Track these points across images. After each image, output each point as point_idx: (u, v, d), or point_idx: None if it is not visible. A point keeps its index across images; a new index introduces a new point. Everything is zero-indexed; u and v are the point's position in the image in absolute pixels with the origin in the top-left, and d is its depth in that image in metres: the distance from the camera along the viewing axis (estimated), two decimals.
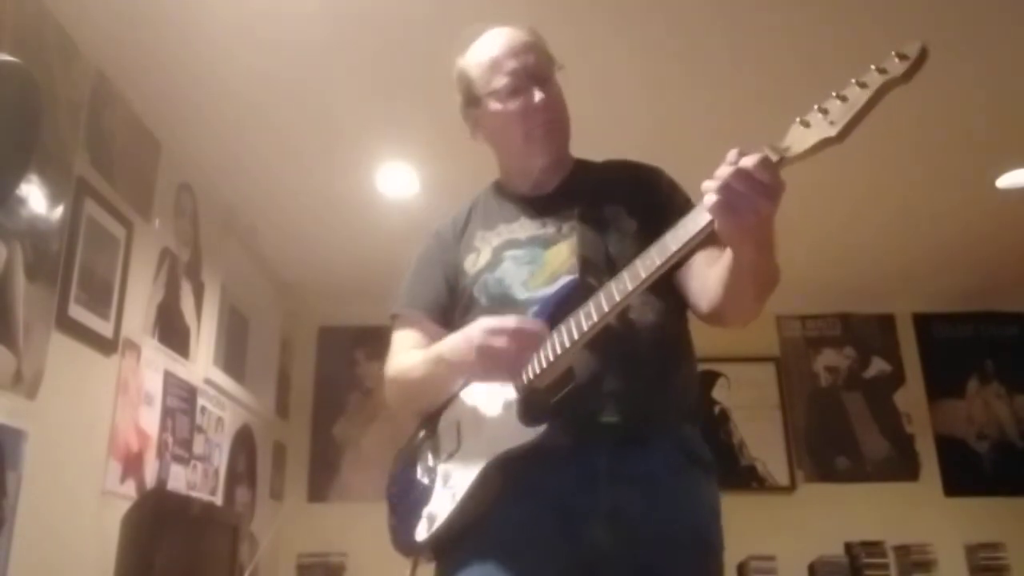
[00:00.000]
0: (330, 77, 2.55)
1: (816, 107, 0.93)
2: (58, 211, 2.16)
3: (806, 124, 0.93)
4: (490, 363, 1.13)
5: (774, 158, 0.95)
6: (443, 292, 1.36)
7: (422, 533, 1.20)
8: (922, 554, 3.95)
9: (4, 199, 1.93)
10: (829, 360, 4.51)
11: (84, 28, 2.25)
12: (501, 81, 1.32)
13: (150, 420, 2.65)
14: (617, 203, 1.30)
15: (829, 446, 4.33)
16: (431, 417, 1.31)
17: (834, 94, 0.91)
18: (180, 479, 2.86)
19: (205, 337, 3.17)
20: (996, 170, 3.20)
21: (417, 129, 2.80)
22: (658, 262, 1.03)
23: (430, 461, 1.27)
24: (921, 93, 2.62)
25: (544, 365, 1.12)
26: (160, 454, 2.71)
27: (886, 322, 4.55)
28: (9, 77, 1.96)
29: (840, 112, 0.90)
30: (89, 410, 2.29)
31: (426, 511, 1.22)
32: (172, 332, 2.86)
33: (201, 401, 3.09)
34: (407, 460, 1.32)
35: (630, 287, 1.05)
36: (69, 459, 2.18)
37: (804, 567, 3.99)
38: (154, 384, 2.70)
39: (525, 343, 1.12)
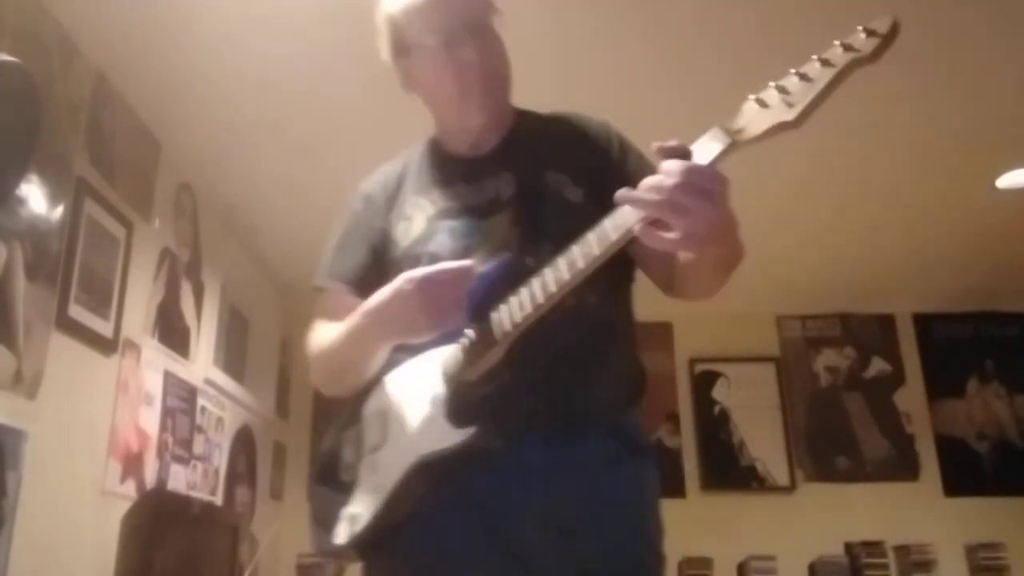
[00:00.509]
0: (330, 76, 2.55)
1: (773, 84, 0.85)
2: (58, 211, 2.16)
3: (762, 104, 0.85)
4: (438, 312, 1.05)
5: (725, 141, 0.87)
6: (370, 264, 1.26)
7: (342, 535, 1.12)
8: (922, 554, 3.95)
9: (4, 199, 1.93)
10: (829, 360, 4.51)
11: (84, 28, 2.25)
12: (432, 34, 1.19)
13: (150, 420, 2.65)
14: (561, 169, 1.20)
15: (829, 446, 4.33)
16: (356, 402, 1.22)
17: (793, 71, 0.84)
18: (180, 479, 2.86)
19: (205, 337, 3.17)
20: (996, 170, 3.20)
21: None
22: (596, 252, 0.95)
23: (353, 454, 1.18)
24: (921, 93, 2.64)
25: (474, 356, 1.06)
26: (160, 454, 2.71)
27: (886, 322, 4.56)
28: (9, 77, 1.96)
29: (799, 93, 0.82)
30: (89, 410, 2.29)
31: (347, 511, 1.13)
32: (172, 332, 2.86)
33: (201, 401, 3.09)
34: (331, 450, 1.24)
35: (567, 277, 0.98)
36: (69, 459, 2.18)
37: (804, 567, 3.99)
38: (154, 384, 2.70)
39: (466, 283, 1.05)
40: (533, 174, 1.20)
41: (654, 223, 0.90)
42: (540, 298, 1.01)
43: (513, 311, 1.03)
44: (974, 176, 3.23)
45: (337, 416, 1.28)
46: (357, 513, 1.12)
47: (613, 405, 1.17)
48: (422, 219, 1.23)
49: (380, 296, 1.10)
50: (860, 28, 0.81)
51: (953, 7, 2.29)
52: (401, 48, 1.25)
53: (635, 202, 0.90)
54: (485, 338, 1.05)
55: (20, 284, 1.98)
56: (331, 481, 1.21)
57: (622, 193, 0.91)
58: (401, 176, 1.31)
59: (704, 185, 0.86)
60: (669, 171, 0.87)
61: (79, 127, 2.29)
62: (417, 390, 1.12)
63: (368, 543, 1.11)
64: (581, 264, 0.97)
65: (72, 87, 2.25)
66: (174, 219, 2.91)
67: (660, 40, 2.48)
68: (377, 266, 1.25)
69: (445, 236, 1.19)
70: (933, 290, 4.37)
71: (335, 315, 1.25)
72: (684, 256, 1.06)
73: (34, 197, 2.05)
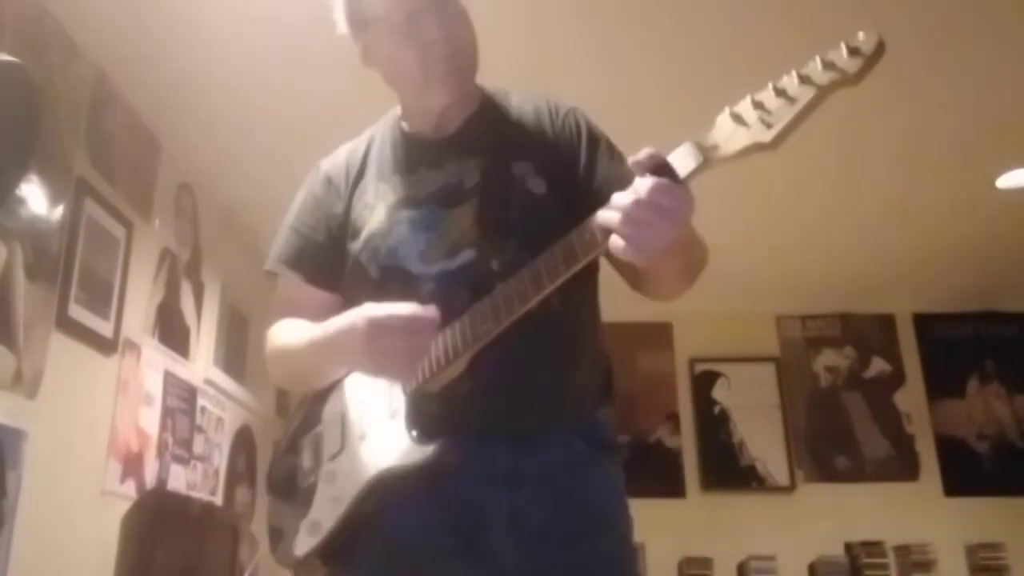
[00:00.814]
0: (329, 76, 2.54)
1: (750, 98, 0.81)
2: (58, 211, 2.16)
3: (739, 120, 0.81)
4: (381, 363, 1.01)
5: (698, 159, 0.85)
6: (328, 252, 1.21)
7: (303, 546, 1.09)
8: (922, 554, 3.95)
9: (4, 199, 1.93)
10: (829, 360, 4.51)
11: (84, 28, 2.25)
12: (392, 7, 1.14)
13: (150, 420, 2.65)
14: (525, 158, 1.15)
15: (829, 446, 4.33)
16: (316, 401, 1.19)
17: (771, 86, 0.79)
18: (180, 479, 2.86)
19: (205, 337, 3.17)
20: (996, 170, 3.20)
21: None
22: (562, 269, 0.95)
23: (312, 460, 1.15)
24: (921, 93, 2.64)
25: (435, 369, 1.03)
26: (160, 454, 2.70)
27: (886, 322, 4.55)
28: (9, 77, 1.96)
29: (778, 112, 0.79)
30: (89, 410, 2.29)
31: (308, 520, 1.10)
32: (172, 332, 2.86)
33: (201, 401, 3.09)
34: (290, 454, 1.20)
35: (531, 294, 0.97)
36: (69, 459, 2.18)
37: (804, 567, 3.99)
38: (154, 384, 2.70)
39: (419, 337, 1.00)
40: (498, 162, 1.15)
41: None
42: (503, 312, 0.99)
43: (476, 324, 1.01)
44: (974, 176, 3.23)
45: (292, 417, 1.25)
46: (318, 521, 1.09)
47: (579, 405, 1.14)
48: (383, 208, 1.17)
49: (338, 323, 1.06)
50: (843, 45, 0.76)
51: (953, 8, 2.29)
52: (359, 21, 1.19)
53: (604, 220, 0.90)
54: (446, 350, 1.03)
55: (20, 284, 1.98)
56: (286, 491, 1.18)
57: (608, 214, 0.90)
58: (365, 157, 1.25)
59: (666, 203, 0.86)
60: (637, 189, 0.87)
61: (79, 127, 2.29)
62: (377, 399, 1.09)
63: (330, 552, 1.09)
64: (546, 282, 0.97)
65: (72, 87, 2.25)
66: (174, 219, 2.91)
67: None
68: (335, 254, 1.20)
69: (405, 228, 1.14)
70: (933, 290, 4.37)
71: (294, 307, 1.22)
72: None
73: (34, 197, 2.05)
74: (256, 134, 2.86)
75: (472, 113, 1.22)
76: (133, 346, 2.54)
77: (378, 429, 1.07)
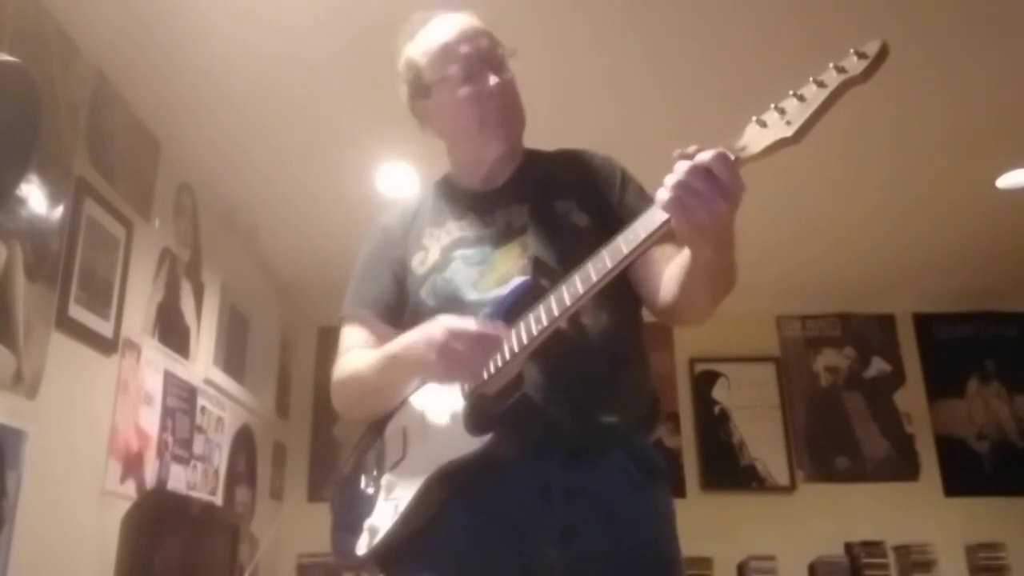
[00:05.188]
0: (330, 77, 2.55)
1: (773, 106, 0.89)
2: (58, 211, 2.16)
3: (763, 124, 0.90)
4: (451, 365, 1.07)
5: (730, 158, 0.91)
6: (391, 291, 1.31)
7: (362, 547, 1.16)
8: (922, 554, 3.95)
9: (4, 199, 1.93)
10: (829, 360, 4.52)
11: (84, 28, 2.25)
12: (454, 66, 1.25)
13: (150, 420, 2.65)
14: (568, 197, 1.26)
15: (829, 446, 4.33)
16: (379, 422, 1.26)
17: (792, 92, 0.88)
18: (180, 479, 2.86)
19: (205, 337, 3.17)
20: (996, 170, 3.20)
21: (414, 130, 2.79)
22: (609, 265, 1.00)
23: (374, 470, 1.23)
24: (921, 93, 2.64)
25: (492, 371, 1.08)
26: (160, 454, 2.71)
27: (886, 322, 4.56)
28: (9, 77, 1.96)
29: (797, 112, 0.87)
30: (89, 410, 2.29)
31: (368, 523, 1.17)
32: (172, 332, 2.86)
33: (201, 401, 3.09)
34: (353, 467, 1.28)
35: (581, 291, 1.02)
36: (69, 459, 2.18)
37: (804, 567, 3.99)
38: (154, 384, 2.70)
39: (489, 347, 1.06)
40: (543, 201, 1.25)
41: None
42: (555, 311, 1.04)
43: (529, 325, 1.07)
44: (974, 176, 3.23)
45: (357, 434, 1.32)
46: (377, 525, 1.16)
47: (629, 426, 1.18)
48: (437, 249, 1.27)
49: (413, 333, 1.14)
50: (852, 51, 0.86)
51: (953, 10, 2.29)
52: (420, 89, 1.31)
53: (669, 180, 0.93)
54: (503, 351, 1.08)
55: (20, 284, 1.98)
56: (349, 499, 1.24)
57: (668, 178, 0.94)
58: (417, 210, 1.36)
59: (717, 170, 0.90)
60: (703, 158, 0.91)
61: (79, 127, 2.29)
62: (437, 408, 1.16)
63: (388, 555, 1.15)
64: (594, 277, 1.01)
65: (72, 87, 2.25)
66: (174, 219, 2.91)
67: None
68: (398, 293, 1.30)
69: (459, 263, 1.24)
70: (933, 290, 4.37)
71: (362, 340, 1.31)
72: (680, 266, 1.09)
73: (34, 197, 2.05)
74: (256, 134, 2.86)
75: (518, 167, 1.33)
76: (133, 346, 2.54)
77: (438, 432, 1.14)
